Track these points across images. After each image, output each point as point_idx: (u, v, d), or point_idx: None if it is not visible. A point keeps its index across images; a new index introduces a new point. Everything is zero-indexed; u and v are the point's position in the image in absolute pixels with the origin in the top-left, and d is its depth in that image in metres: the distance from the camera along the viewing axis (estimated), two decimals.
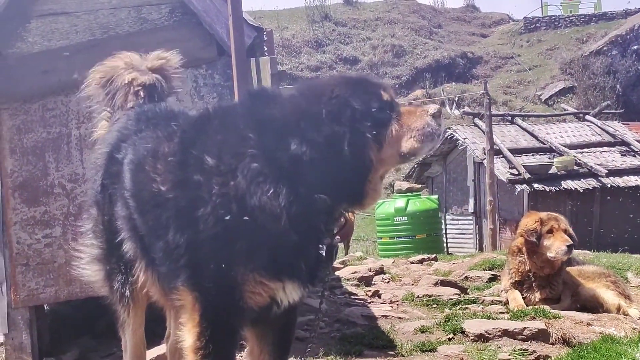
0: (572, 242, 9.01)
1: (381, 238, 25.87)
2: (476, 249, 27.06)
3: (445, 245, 28.49)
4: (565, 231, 9.13)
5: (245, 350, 4.57)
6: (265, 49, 9.31)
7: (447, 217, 30.42)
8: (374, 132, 3.70)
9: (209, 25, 7.98)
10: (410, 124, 3.77)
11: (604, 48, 54.51)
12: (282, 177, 3.65)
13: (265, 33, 8.98)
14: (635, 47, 53.25)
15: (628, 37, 54.36)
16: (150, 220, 4.13)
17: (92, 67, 5.48)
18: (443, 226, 28.84)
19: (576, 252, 13.33)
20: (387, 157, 3.77)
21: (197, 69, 8.07)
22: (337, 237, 3.99)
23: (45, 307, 9.08)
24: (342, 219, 3.95)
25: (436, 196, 27.82)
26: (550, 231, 9.12)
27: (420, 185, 30.73)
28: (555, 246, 9.01)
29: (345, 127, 3.66)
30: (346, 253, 20.42)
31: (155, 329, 5.61)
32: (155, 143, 4.27)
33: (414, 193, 26.39)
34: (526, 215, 9.93)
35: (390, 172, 36.16)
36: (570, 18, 64.67)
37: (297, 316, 4.38)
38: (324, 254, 3.96)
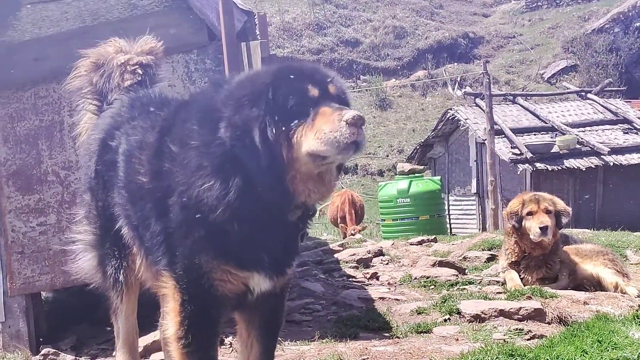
0: (545, 224, 8.96)
1: (384, 220, 25.84)
2: (479, 229, 27.01)
3: (448, 226, 28.48)
4: (547, 211, 9.11)
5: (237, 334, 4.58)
6: (258, 32, 9.29)
7: (450, 198, 30.36)
8: (283, 128, 3.61)
9: (199, 10, 7.97)
10: (321, 125, 3.56)
11: (606, 26, 54.24)
12: (217, 169, 3.67)
13: (256, 17, 8.95)
14: (638, 24, 52.90)
15: (630, 14, 54.05)
16: (139, 210, 4.21)
17: (85, 51, 5.51)
18: (446, 207, 28.82)
19: (575, 231, 13.35)
20: (299, 156, 3.61)
21: (188, 54, 8.07)
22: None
23: (43, 294, 9.11)
24: (311, 210, 3.93)
25: (439, 177, 27.79)
26: (531, 213, 9.11)
27: (422, 167, 30.64)
28: (532, 228, 9.01)
29: (258, 117, 3.62)
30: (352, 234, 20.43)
31: (151, 315, 5.62)
32: (143, 133, 4.34)
33: (417, 174, 26.33)
34: (516, 196, 9.89)
35: (392, 154, 36.16)
36: None
37: (285, 301, 4.38)
38: (289, 243, 3.98)
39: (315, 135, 3.55)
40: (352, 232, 20.63)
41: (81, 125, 5.53)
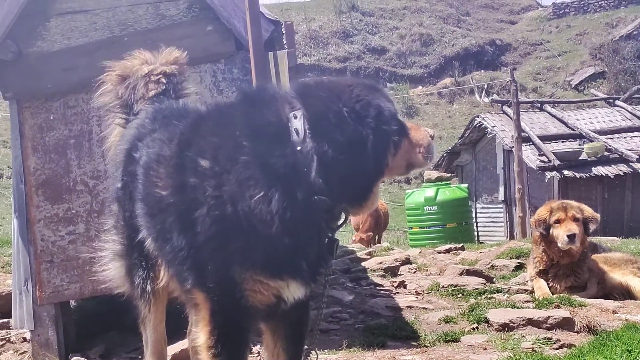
0: (573, 232, 8.91)
1: (411, 228, 25.75)
2: (507, 237, 26.91)
3: (476, 234, 28.37)
4: (575, 219, 9.06)
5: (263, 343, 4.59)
6: (285, 42, 9.29)
7: (478, 205, 30.28)
8: (396, 138, 3.80)
9: (227, 19, 7.98)
10: (419, 139, 3.91)
11: (634, 32, 54.03)
12: (276, 183, 3.65)
13: (283, 26, 8.96)
14: None
15: None
16: (158, 224, 4.20)
17: (111, 64, 5.55)
18: (473, 215, 28.71)
19: (604, 239, 13.25)
20: (395, 166, 3.87)
21: (215, 63, 8.09)
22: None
23: (72, 303, 9.15)
24: (344, 215, 3.96)
25: (466, 185, 27.67)
26: (558, 221, 9.07)
27: (449, 174, 30.51)
28: (560, 236, 8.96)
29: (369, 128, 3.68)
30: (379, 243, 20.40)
31: (179, 324, 5.63)
32: (160, 146, 4.32)
33: (444, 182, 26.20)
34: (544, 204, 9.85)
35: None
36: (600, 3, 64.12)
37: (310, 309, 4.38)
38: (325, 251, 3.96)
39: (417, 148, 3.92)
40: (354, 238, 20.67)
41: (110, 139, 5.56)
